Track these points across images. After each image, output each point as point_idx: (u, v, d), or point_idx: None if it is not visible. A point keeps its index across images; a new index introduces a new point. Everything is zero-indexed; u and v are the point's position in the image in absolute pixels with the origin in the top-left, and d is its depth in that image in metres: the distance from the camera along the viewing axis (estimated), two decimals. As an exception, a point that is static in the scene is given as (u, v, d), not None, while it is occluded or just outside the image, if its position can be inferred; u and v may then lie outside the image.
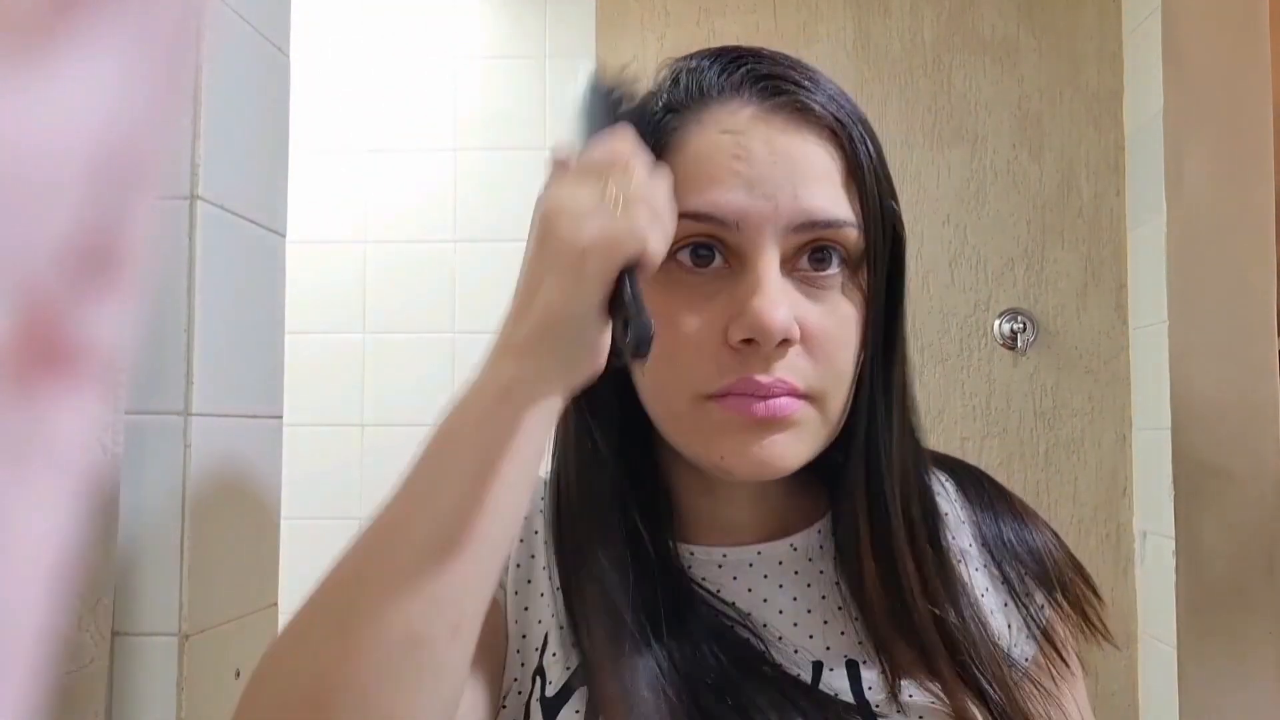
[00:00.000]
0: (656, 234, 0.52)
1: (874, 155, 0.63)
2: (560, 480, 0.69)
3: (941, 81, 1.98)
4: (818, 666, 0.65)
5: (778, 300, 0.59)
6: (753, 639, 0.65)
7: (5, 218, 0.14)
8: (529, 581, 0.68)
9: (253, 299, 0.91)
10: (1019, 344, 1.92)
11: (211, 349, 0.83)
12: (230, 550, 0.87)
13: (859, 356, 0.63)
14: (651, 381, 0.64)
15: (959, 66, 1.98)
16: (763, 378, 0.60)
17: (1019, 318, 1.93)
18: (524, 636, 0.66)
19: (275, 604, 0.96)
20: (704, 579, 0.67)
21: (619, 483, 0.66)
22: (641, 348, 0.50)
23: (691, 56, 0.67)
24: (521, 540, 0.69)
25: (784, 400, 0.60)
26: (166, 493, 0.80)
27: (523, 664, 0.66)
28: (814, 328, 0.61)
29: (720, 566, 0.68)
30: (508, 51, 2.00)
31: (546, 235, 0.52)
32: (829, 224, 0.60)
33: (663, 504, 0.69)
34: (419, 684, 0.48)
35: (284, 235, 0.97)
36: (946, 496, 0.73)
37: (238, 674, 0.87)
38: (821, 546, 0.69)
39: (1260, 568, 1.65)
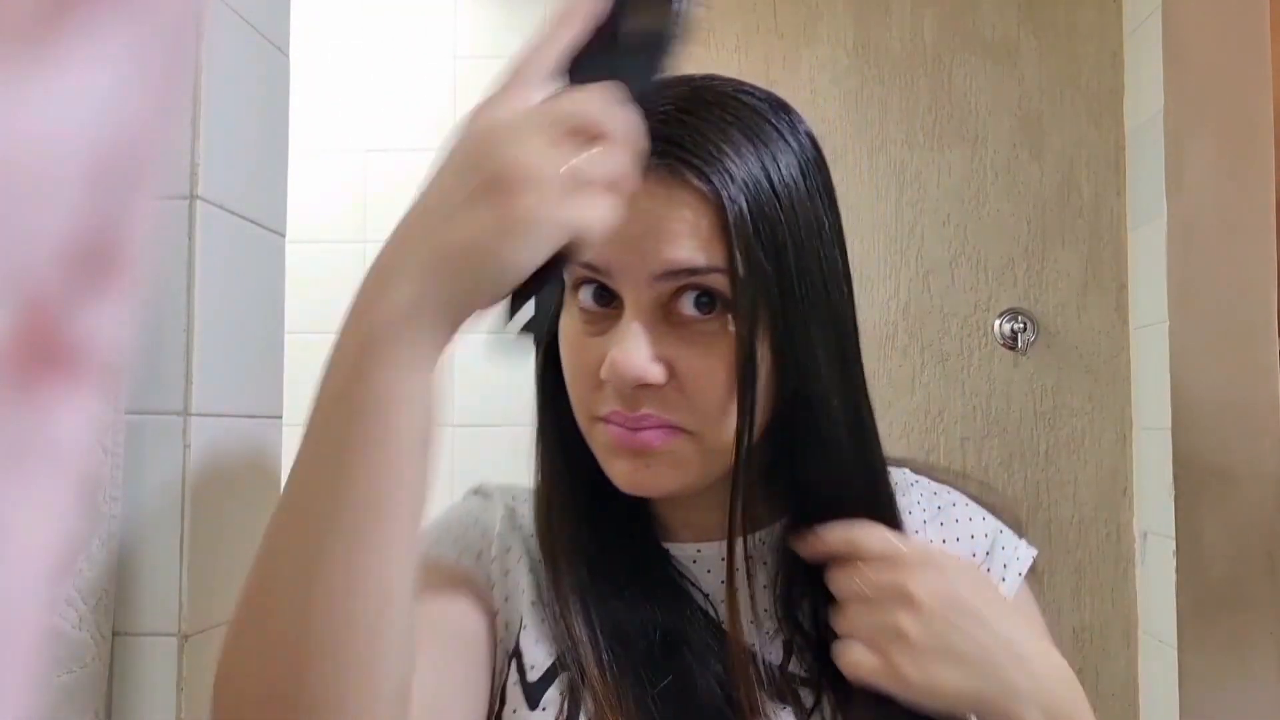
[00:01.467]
0: (604, 223, 0.52)
1: (750, 206, 0.65)
2: (544, 473, 0.74)
3: (942, 81, 1.98)
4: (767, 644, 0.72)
5: (631, 349, 0.64)
6: (719, 620, 0.71)
7: (5, 217, 0.14)
8: (507, 573, 0.73)
9: (253, 299, 0.91)
10: (1019, 344, 1.92)
11: (211, 349, 0.83)
12: (230, 550, 0.87)
13: (747, 390, 0.65)
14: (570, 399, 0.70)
15: (959, 66, 1.98)
16: (629, 412, 0.65)
17: (1019, 318, 1.93)
18: (506, 626, 0.71)
19: (275, 604, 0.95)
20: (681, 573, 0.73)
21: (600, 479, 0.70)
22: (530, 327, 0.51)
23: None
24: (497, 533, 0.75)
25: (650, 434, 0.65)
26: (166, 492, 0.80)
27: (503, 651, 0.71)
28: (683, 368, 0.65)
29: (695, 562, 0.74)
30: (507, 51, 1.99)
31: (489, 173, 0.51)
32: (691, 271, 0.64)
33: (640, 504, 0.73)
34: (352, 672, 0.50)
35: (284, 235, 0.97)
36: (901, 500, 0.77)
37: (238, 674, 0.87)
38: (784, 537, 0.74)
39: (1260, 567, 1.65)
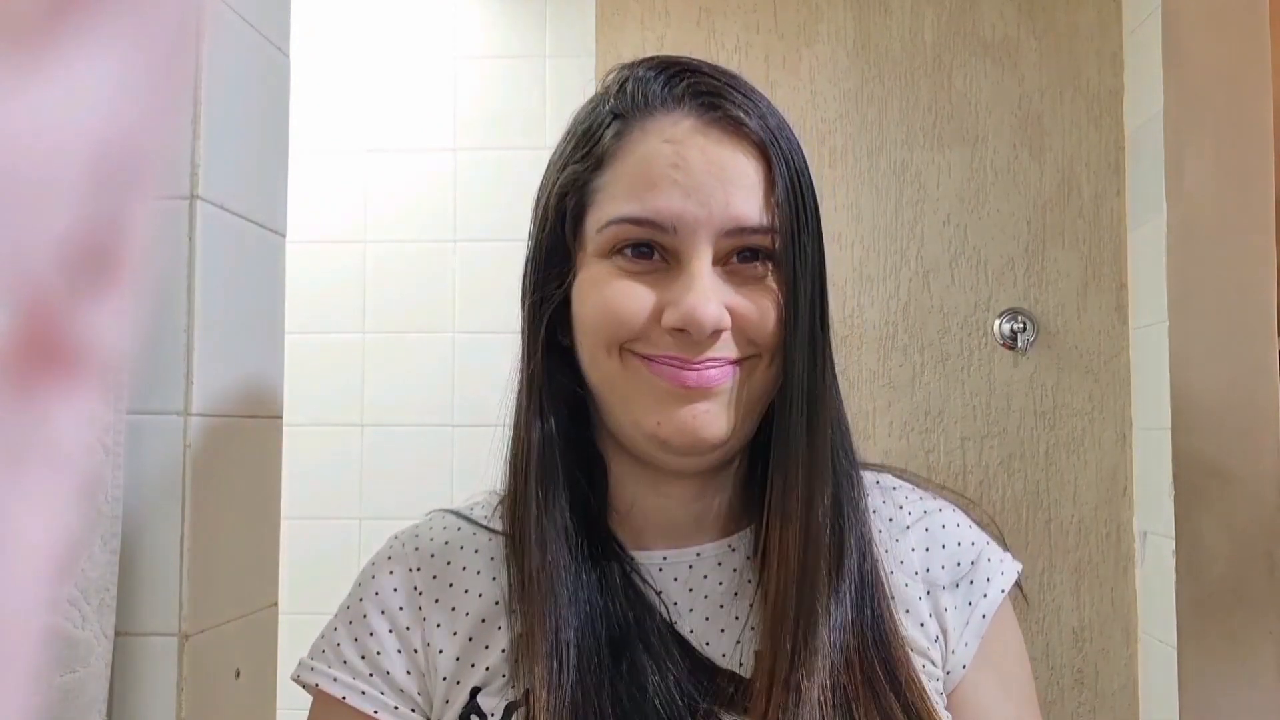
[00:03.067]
0: None
1: (796, 169, 0.69)
2: (527, 473, 0.72)
3: (942, 81, 1.97)
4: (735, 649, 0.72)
5: (709, 296, 0.65)
6: (683, 629, 0.71)
7: (5, 218, 0.14)
8: (428, 645, 0.72)
9: (252, 299, 0.91)
10: (1019, 344, 1.92)
11: (211, 349, 0.83)
12: (230, 550, 0.87)
13: (781, 338, 0.69)
14: (589, 347, 0.69)
15: (959, 66, 1.98)
16: (693, 357, 0.66)
17: (1019, 318, 1.93)
18: (451, 683, 0.71)
19: (275, 604, 0.96)
20: (647, 581, 0.72)
21: (570, 474, 0.71)
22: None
23: (639, 64, 0.73)
24: (401, 610, 0.74)
25: (713, 372, 0.67)
26: (166, 492, 0.80)
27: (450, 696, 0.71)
28: (742, 311, 0.68)
29: (661, 570, 0.73)
30: (507, 51, 2.00)
31: None
32: (755, 230, 0.67)
33: (606, 505, 0.74)
34: None
35: (284, 235, 0.97)
36: (883, 505, 0.77)
37: (238, 674, 0.87)
38: (755, 543, 0.73)
39: (1260, 567, 1.65)
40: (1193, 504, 1.67)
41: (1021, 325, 1.92)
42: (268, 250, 0.94)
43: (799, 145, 0.71)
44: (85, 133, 0.15)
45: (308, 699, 0.75)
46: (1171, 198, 1.71)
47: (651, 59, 0.73)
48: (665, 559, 0.73)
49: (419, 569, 0.74)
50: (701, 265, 0.66)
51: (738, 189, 0.66)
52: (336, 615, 0.76)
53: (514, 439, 0.74)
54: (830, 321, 0.72)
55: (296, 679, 0.75)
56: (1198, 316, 1.69)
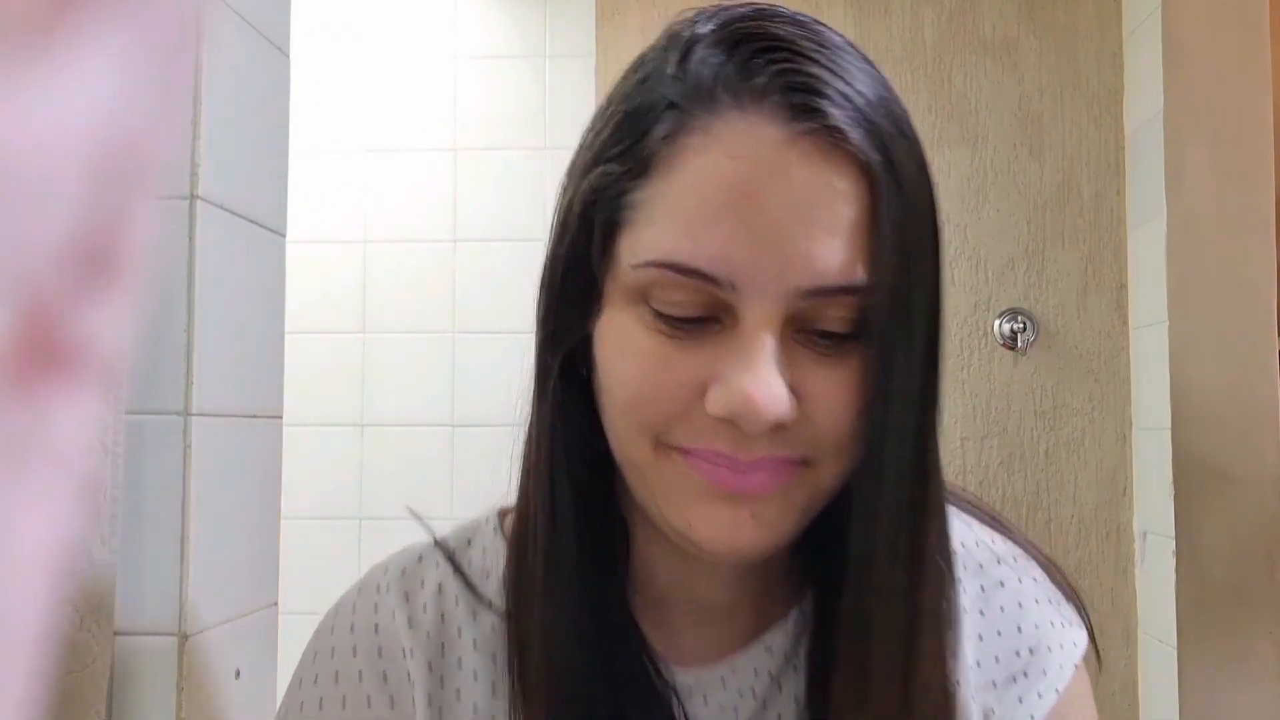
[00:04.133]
0: None
1: (913, 196, 0.52)
2: (536, 549, 0.57)
3: (942, 81, 1.97)
4: None
5: (770, 380, 0.48)
6: None
7: (4, 218, 0.14)
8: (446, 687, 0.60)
9: (252, 299, 0.91)
10: (1019, 344, 1.92)
11: (211, 349, 0.83)
12: (230, 550, 0.87)
13: (865, 420, 0.52)
14: (613, 421, 0.53)
15: (959, 66, 1.98)
16: (745, 456, 0.50)
17: (1019, 318, 1.93)
18: None
19: (275, 603, 0.96)
20: (669, 697, 0.59)
21: (586, 547, 0.56)
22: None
23: (707, 24, 0.53)
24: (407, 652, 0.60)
25: (765, 475, 0.50)
26: (166, 492, 0.80)
27: None
28: (813, 397, 0.50)
29: (690, 694, 0.59)
30: (507, 51, 2.00)
31: None
32: (843, 290, 0.49)
33: (625, 579, 0.59)
34: None
35: (284, 235, 0.97)
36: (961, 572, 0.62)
37: (238, 674, 0.87)
38: (798, 637, 0.60)
39: (1260, 567, 1.65)
40: (1193, 504, 1.67)
41: (1021, 325, 1.92)
42: (268, 250, 0.94)
43: (919, 148, 0.54)
44: (85, 132, 0.15)
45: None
46: (1171, 198, 1.71)
47: (728, 12, 0.53)
48: (693, 681, 0.59)
49: (412, 651, 0.59)
50: (764, 335, 0.49)
51: (826, 233, 0.48)
52: (290, 693, 0.62)
53: (521, 499, 0.58)
54: (940, 404, 0.54)
55: None
56: (1198, 316, 1.69)
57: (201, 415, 0.82)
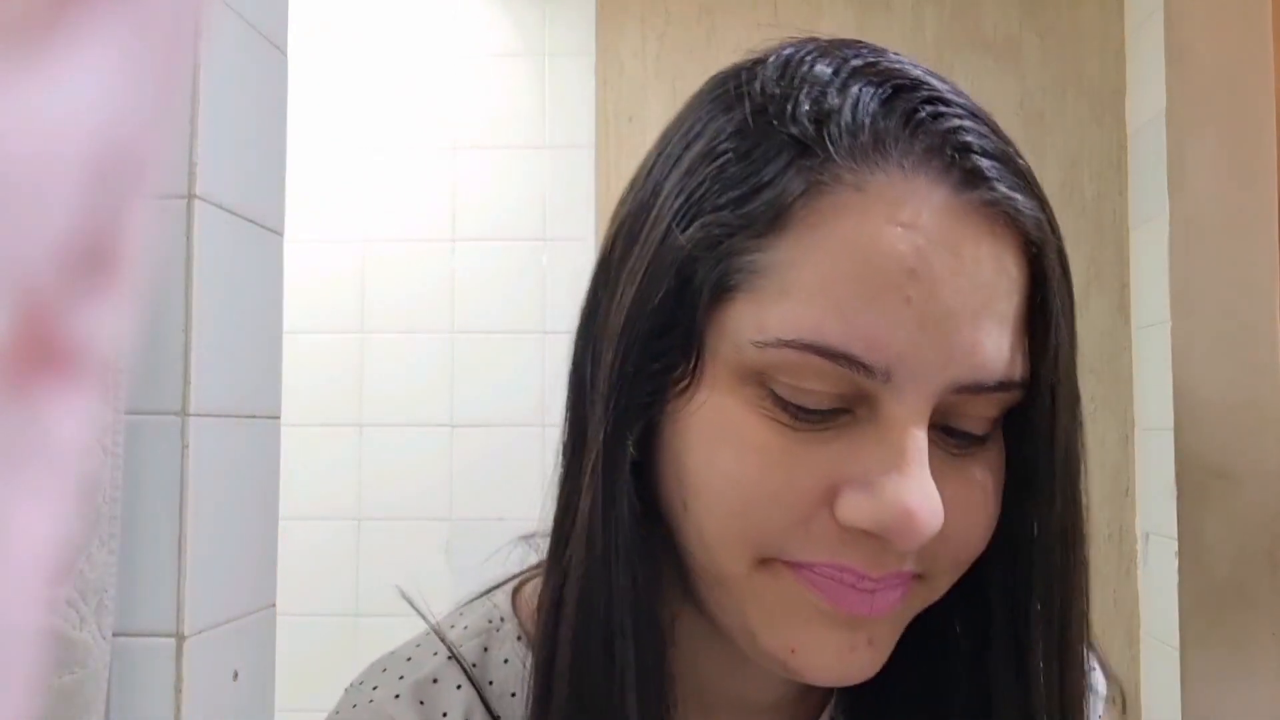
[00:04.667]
0: None
1: (1067, 282, 0.46)
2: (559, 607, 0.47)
3: (942, 80, 1.97)
4: None
5: (929, 489, 0.41)
6: None
7: (2, 218, 0.13)
8: None
9: (251, 298, 0.91)
10: (1020, 344, 1.92)
11: (209, 349, 0.83)
12: (228, 550, 0.86)
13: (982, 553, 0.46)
14: (703, 529, 0.43)
15: (961, 65, 1.97)
16: (875, 572, 0.42)
17: (1020, 317, 1.93)
18: None
19: (273, 604, 0.95)
20: None
21: (627, 650, 0.45)
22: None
23: (850, 57, 0.46)
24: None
25: (892, 593, 0.43)
26: (165, 493, 0.80)
27: None
28: (953, 500, 0.42)
29: None
30: (507, 50, 1.99)
31: None
32: (1001, 386, 0.43)
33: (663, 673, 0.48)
34: None
35: (282, 234, 0.97)
36: None
37: (236, 675, 0.87)
38: None
39: (1263, 568, 1.65)
40: (1196, 505, 1.67)
41: (1023, 325, 1.92)
42: (266, 250, 0.93)
43: (1058, 226, 0.47)
44: (83, 131, 0.14)
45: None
46: (1174, 196, 1.70)
47: (853, 50, 0.47)
48: None
49: None
50: (916, 433, 0.41)
51: (994, 322, 0.42)
52: None
53: (551, 595, 0.47)
54: (1086, 511, 0.47)
55: None
56: (1201, 316, 1.68)
57: (200, 415, 0.81)
